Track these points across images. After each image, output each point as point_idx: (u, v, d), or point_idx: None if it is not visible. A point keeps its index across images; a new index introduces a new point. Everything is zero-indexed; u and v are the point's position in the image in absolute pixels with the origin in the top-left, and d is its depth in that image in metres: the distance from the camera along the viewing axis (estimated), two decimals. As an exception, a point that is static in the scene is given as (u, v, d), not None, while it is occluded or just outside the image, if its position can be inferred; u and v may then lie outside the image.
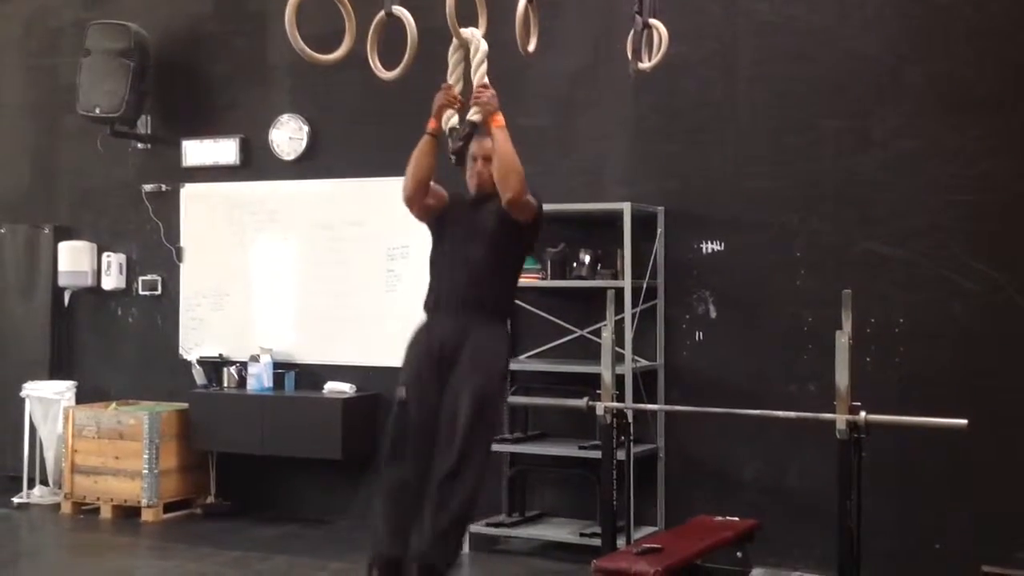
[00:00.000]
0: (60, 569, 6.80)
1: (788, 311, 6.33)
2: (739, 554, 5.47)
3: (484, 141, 4.10)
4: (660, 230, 6.57)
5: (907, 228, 6.11)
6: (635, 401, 6.21)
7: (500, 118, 3.97)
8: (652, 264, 6.54)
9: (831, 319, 4.89)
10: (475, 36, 4.01)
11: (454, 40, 4.02)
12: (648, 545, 5.02)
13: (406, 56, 3.79)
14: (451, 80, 4.05)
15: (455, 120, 4.06)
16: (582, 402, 5.33)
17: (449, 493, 3.76)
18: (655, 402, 6.50)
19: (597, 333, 6.00)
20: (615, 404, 5.26)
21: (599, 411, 5.21)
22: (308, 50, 3.57)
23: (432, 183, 4.21)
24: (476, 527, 6.60)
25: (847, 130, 6.27)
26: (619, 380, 5.79)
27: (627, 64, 5.06)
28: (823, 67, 6.34)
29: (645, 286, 6.45)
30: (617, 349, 5.60)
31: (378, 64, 3.96)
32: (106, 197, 8.39)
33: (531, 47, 4.35)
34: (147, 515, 7.41)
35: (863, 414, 4.52)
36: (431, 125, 4.10)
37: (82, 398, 8.06)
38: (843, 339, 4.56)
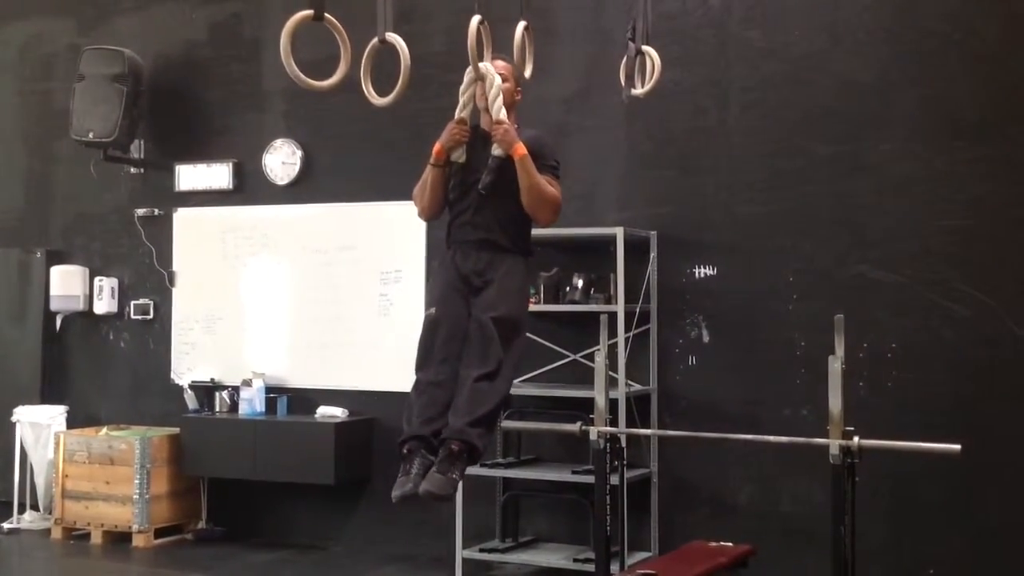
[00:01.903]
0: (50, 595, 6.79)
1: (781, 336, 6.33)
2: (733, 580, 5.45)
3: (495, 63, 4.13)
4: (653, 255, 6.58)
5: (899, 253, 6.13)
6: (628, 425, 6.20)
7: (520, 148, 3.98)
8: (645, 288, 6.54)
9: (824, 343, 4.89)
10: (489, 71, 4.00)
11: (466, 76, 4.02)
12: (642, 571, 5.01)
13: (399, 83, 3.78)
14: (464, 114, 4.05)
15: (463, 154, 4.08)
16: (575, 427, 5.31)
17: (485, 389, 3.90)
18: (648, 426, 6.49)
19: (590, 357, 6.00)
20: (608, 429, 5.24)
21: (592, 436, 5.19)
22: (303, 77, 3.56)
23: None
24: (468, 552, 6.58)
25: (839, 155, 6.29)
26: (612, 404, 5.78)
27: (620, 90, 5.09)
28: (815, 92, 6.37)
29: (638, 310, 6.46)
30: (610, 373, 5.59)
31: (371, 91, 3.96)
32: (99, 221, 8.38)
33: (528, 72, 4.36)
34: (138, 540, 7.37)
35: (856, 439, 4.50)
36: (437, 155, 4.10)
37: (73, 423, 8.03)
38: (836, 364, 4.55)
